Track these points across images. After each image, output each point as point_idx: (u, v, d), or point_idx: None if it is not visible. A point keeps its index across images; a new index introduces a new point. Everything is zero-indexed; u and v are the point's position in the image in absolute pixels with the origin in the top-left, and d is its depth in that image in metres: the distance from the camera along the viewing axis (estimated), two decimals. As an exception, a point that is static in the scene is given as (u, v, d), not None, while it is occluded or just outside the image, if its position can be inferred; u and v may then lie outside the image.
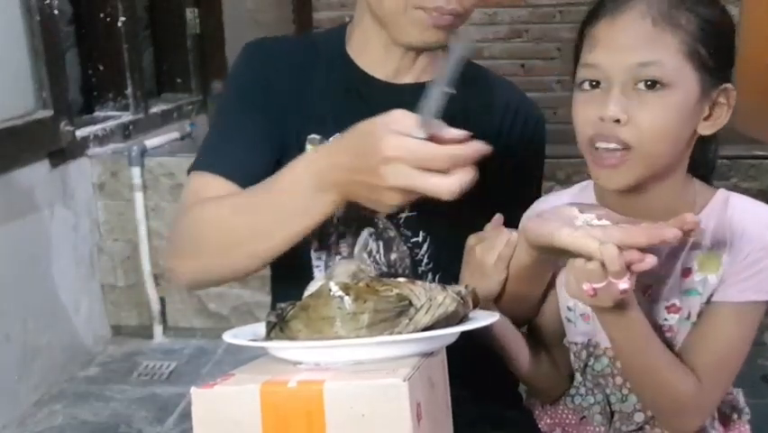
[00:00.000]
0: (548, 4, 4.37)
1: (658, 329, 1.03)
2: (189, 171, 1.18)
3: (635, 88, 0.93)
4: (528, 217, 0.95)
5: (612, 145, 0.94)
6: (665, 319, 1.05)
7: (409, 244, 1.17)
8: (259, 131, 1.16)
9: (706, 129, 0.98)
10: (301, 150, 1.16)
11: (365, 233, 1.17)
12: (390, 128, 0.85)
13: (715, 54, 0.94)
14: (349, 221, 1.16)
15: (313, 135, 1.17)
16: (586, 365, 1.12)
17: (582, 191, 1.12)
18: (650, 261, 0.83)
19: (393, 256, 1.17)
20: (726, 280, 1.00)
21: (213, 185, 1.12)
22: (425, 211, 1.15)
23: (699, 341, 1.02)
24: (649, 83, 0.92)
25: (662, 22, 0.92)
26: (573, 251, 0.85)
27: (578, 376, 1.14)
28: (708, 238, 1.01)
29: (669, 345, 1.04)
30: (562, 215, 0.90)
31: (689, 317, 1.04)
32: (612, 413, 1.12)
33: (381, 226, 1.16)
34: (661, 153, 0.95)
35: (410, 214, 1.16)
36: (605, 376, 1.10)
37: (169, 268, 1.14)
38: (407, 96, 1.15)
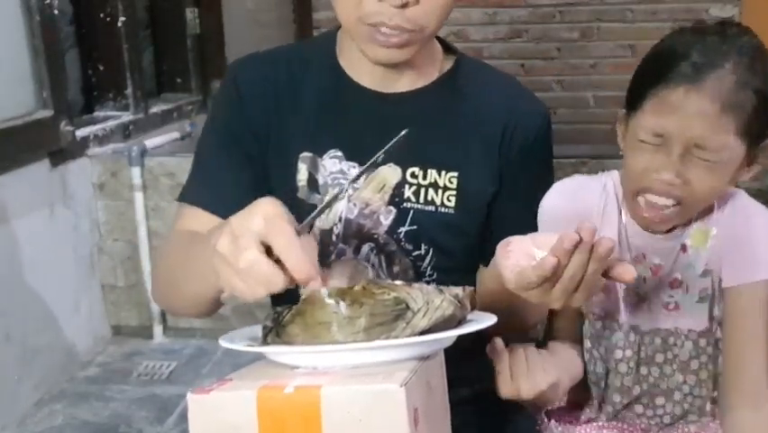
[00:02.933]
0: (548, 5, 4.36)
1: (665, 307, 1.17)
2: (178, 199, 1.18)
3: (689, 154, 1.03)
4: (504, 243, 0.96)
5: (664, 201, 1.06)
6: (670, 296, 1.16)
7: (411, 258, 1.15)
8: (241, 160, 1.15)
9: (745, 175, 1.10)
10: (294, 169, 1.14)
11: (366, 248, 1.14)
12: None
13: (764, 124, 1.04)
14: (348, 238, 1.14)
15: (305, 153, 1.14)
16: (600, 337, 1.19)
17: (608, 180, 1.20)
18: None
19: (395, 269, 1.15)
20: (727, 264, 1.13)
21: (194, 217, 1.13)
22: (424, 224, 1.14)
23: (734, 339, 1.14)
24: (703, 159, 1.02)
25: (729, 106, 1.00)
26: (517, 288, 0.91)
27: (587, 343, 1.20)
28: (696, 215, 1.14)
29: (675, 325, 1.17)
30: (524, 249, 0.93)
31: (687, 290, 1.16)
32: (606, 388, 1.21)
33: (382, 242, 1.14)
34: (707, 203, 1.11)
35: (410, 228, 1.13)
36: (616, 349, 1.18)
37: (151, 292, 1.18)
38: (402, 106, 1.14)
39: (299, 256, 0.75)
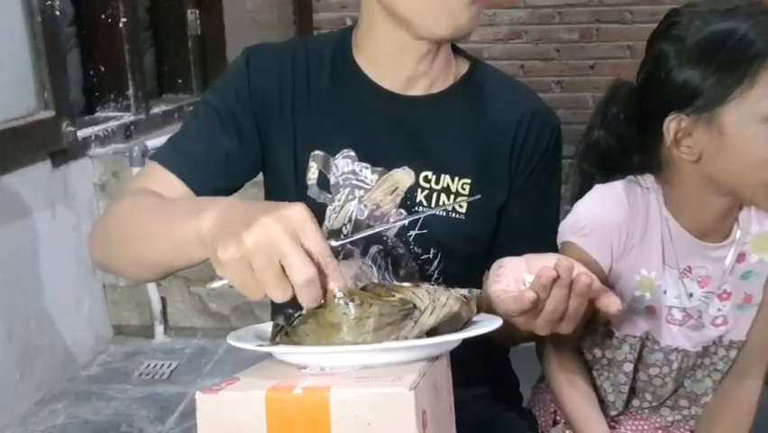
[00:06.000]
0: (547, 6, 4.36)
1: (712, 323, 1.13)
2: (151, 158, 1.13)
3: None
4: (497, 264, 0.95)
5: None
6: (719, 309, 1.12)
7: (419, 261, 1.14)
8: (228, 138, 1.11)
9: None
10: (305, 166, 1.13)
11: (373, 250, 1.14)
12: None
13: None
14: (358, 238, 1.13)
15: (317, 152, 1.13)
16: (641, 357, 1.15)
17: (645, 185, 1.11)
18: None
19: (401, 273, 1.14)
20: None
21: (164, 181, 1.08)
22: (435, 228, 1.13)
23: (760, 323, 1.12)
24: None
25: None
26: (501, 314, 0.88)
27: (629, 366, 1.16)
28: (755, 221, 1.10)
29: (720, 336, 1.13)
30: (515, 273, 0.92)
31: (745, 301, 1.12)
32: (632, 391, 1.18)
33: (390, 244, 1.13)
34: None
35: (420, 231, 1.13)
36: (652, 367, 1.16)
37: (87, 242, 1.10)
38: (418, 110, 1.14)
39: (334, 264, 0.76)
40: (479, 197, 1.07)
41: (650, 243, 1.10)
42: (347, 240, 0.90)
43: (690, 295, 1.12)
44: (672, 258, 1.10)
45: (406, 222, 1.11)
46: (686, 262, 1.11)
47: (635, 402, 1.20)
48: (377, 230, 1.04)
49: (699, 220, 1.09)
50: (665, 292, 1.12)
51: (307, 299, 0.75)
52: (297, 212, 0.76)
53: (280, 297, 0.75)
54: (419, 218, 1.13)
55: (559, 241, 1.13)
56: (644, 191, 1.10)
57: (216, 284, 0.81)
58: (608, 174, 1.13)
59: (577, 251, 1.09)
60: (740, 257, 1.11)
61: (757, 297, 1.12)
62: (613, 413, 1.20)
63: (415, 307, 0.76)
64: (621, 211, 1.09)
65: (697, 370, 1.16)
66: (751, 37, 0.97)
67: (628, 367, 1.15)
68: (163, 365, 2.73)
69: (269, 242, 0.74)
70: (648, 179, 1.11)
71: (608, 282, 1.10)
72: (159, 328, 2.93)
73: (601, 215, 1.10)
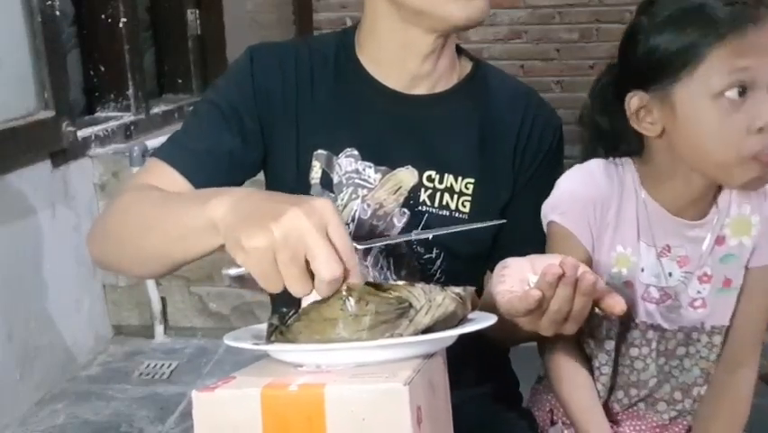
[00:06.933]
0: (547, 6, 4.37)
1: (690, 305, 1.13)
2: (152, 155, 1.13)
3: None
4: (501, 265, 0.95)
5: None
6: (698, 292, 1.12)
7: (422, 261, 1.14)
8: (231, 135, 1.11)
9: None
10: (308, 165, 1.13)
11: (376, 249, 1.13)
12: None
13: None
14: (360, 238, 1.11)
15: (320, 151, 1.13)
16: (620, 335, 1.15)
17: (620, 166, 1.12)
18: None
19: (403, 273, 1.14)
20: (760, 244, 1.10)
21: (166, 178, 1.08)
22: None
23: (745, 311, 1.13)
24: None
25: None
26: (506, 315, 0.89)
27: (610, 344, 1.15)
28: (734, 204, 1.10)
29: (701, 321, 1.13)
30: (519, 274, 0.92)
31: (725, 285, 1.12)
32: (613, 386, 1.17)
33: (393, 244, 1.13)
34: None
35: (423, 231, 1.12)
36: (632, 347, 1.15)
37: (87, 240, 1.09)
38: (422, 109, 1.14)
39: (355, 261, 0.76)
40: (503, 221, 1.08)
41: (624, 219, 1.11)
42: (372, 244, 0.89)
43: (670, 274, 1.12)
44: (648, 235, 1.11)
45: (430, 236, 1.11)
46: (664, 240, 1.11)
47: (626, 399, 1.19)
48: (403, 239, 1.06)
49: (675, 195, 1.09)
50: (642, 270, 1.12)
51: (325, 294, 0.75)
52: (326, 206, 0.76)
53: (300, 291, 0.76)
54: (423, 219, 1.13)
55: (543, 222, 1.13)
56: (619, 169, 1.11)
57: (233, 271, 0.81)
58: (604, 151, 1.14)
59: (559, 229, 1.10)
60: (719, 240, 1.11)
61: (737, 281, 1.13)
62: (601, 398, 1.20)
63: (410, 306, 0.76)
64: (594, 185, 1.10)
65: (684, 359, 1.16)
66: (713, 15, 0.96)
67: (609, 345, 1.15)
68: (163, 365, 2.73)
69: (298, 235, 0.73)
70: (626, 160, 1.12)
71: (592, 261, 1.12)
72: (159, 328, 2.93)
73: (576, 190, 1.11)
